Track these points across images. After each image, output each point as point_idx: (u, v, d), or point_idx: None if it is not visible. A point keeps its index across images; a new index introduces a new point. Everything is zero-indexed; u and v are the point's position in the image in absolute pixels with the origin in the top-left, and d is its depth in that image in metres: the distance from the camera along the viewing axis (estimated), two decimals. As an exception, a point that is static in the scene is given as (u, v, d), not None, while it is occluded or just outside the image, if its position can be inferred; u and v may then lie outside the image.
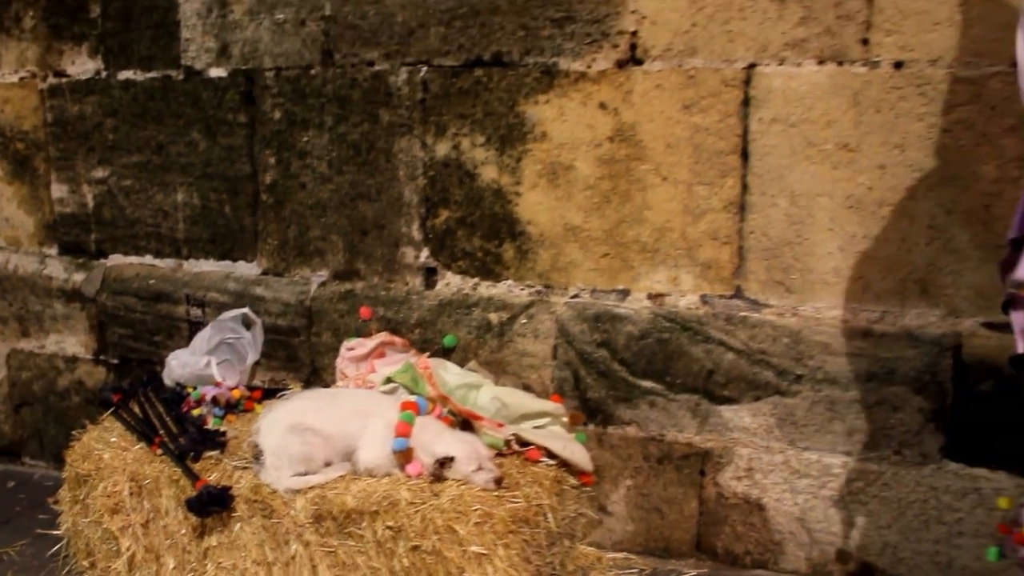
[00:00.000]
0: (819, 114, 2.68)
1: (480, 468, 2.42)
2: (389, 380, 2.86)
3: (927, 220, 2.64)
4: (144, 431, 2.81)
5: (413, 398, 2.65)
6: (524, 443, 2.67)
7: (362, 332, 3.12)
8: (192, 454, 2.65)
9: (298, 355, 3.30)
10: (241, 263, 3.42)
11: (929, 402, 2.63)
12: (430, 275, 3.11)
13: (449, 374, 2.85)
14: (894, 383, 2.67)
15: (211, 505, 2.44)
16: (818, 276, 2.75)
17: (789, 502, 2.79)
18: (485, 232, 3.01)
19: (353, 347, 3.05)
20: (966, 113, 2.54)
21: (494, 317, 3.02)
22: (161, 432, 2.80)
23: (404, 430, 2.46)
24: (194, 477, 2.53)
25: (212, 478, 2.54)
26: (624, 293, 2.92)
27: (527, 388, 2.98)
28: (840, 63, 2.66)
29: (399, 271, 3.14)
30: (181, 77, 3.38)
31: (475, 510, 2.30)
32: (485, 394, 2.81)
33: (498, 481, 2.41)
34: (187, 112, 3.39)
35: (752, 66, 2.71)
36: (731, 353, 2.80)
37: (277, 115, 3.24)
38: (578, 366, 2.94)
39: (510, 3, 2.86)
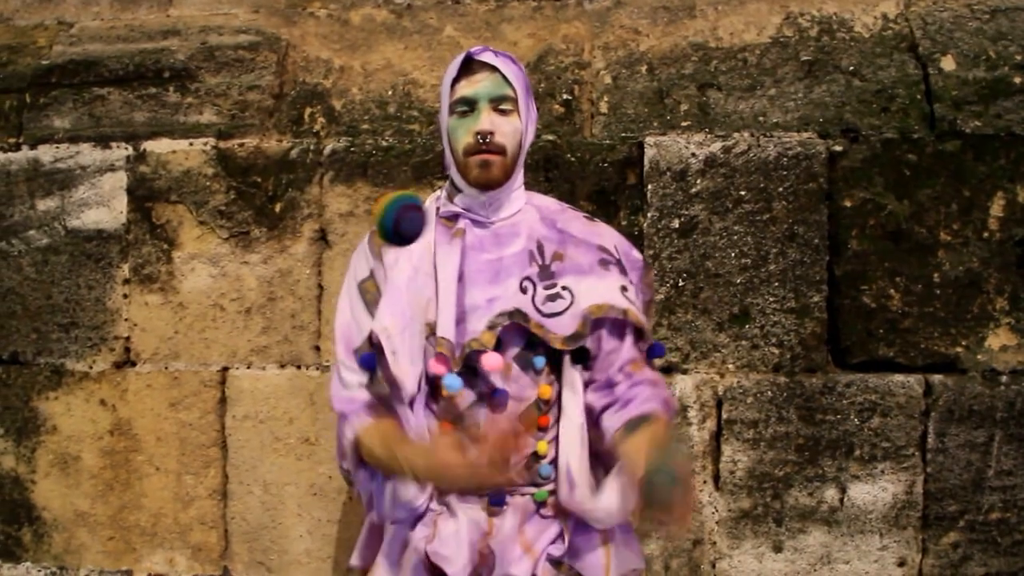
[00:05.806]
0: (282, 412, 3.00)
1: None
2: None
3: (380, 505, 2.95)
4: None
5: None
6: None
7: None
8: None
9: None
10: None
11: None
12: (-42, 557, 3.27)
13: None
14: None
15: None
16: (292, 557, 3.02)
17: None
18: (6, 517, 3.20)
19: None
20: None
21: (11, 599, 3.18)
22: None
23: None
24: None
25: None
26: (128, 573, 3.12)
27: (36, 669, 3.13)
28: (298, 367, 3.00)
29: (-67, 554, 3.29)
30: None
31: None
32: None
33: None
34: None
35: (226, 369, 3.04)
36: (215, 631, 3.03)
37: None
38: (83, 645, 3.12)
39: (25, 309, 3.14)
